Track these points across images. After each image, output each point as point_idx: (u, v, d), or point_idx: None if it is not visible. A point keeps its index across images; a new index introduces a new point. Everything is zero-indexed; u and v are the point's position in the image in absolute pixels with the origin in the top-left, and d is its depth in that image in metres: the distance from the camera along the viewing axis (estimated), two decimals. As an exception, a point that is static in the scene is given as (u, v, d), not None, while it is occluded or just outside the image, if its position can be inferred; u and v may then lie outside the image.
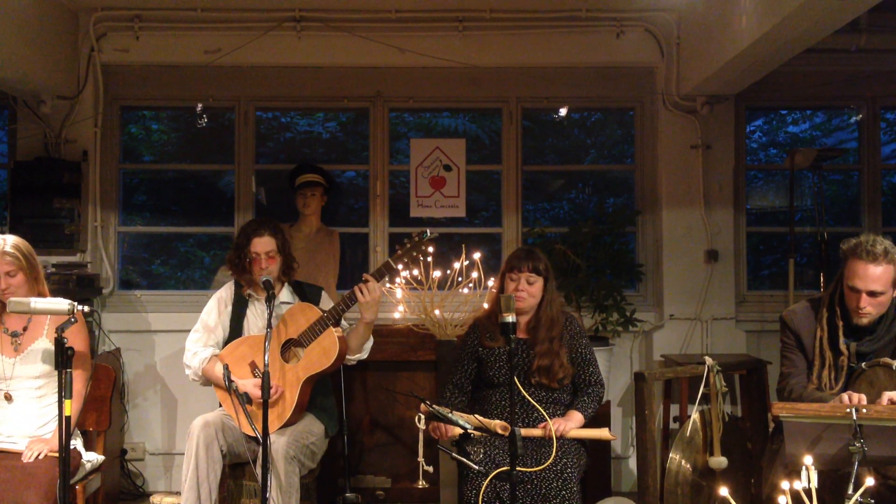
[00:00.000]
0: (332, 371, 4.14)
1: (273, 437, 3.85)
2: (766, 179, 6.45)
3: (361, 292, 4.04)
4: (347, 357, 4.24)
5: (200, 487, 3.92)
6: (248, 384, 4.03)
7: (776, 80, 5.58)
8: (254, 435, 3.85)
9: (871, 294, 3.63)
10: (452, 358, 4.28)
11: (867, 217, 6.08)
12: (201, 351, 4.26)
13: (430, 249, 4.32)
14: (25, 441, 3.76)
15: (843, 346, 3.73)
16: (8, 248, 3.77)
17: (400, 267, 4.09)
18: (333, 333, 4.07)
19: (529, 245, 4.17)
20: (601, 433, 3.98)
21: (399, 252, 4.09)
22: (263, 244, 4.23)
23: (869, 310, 3.66)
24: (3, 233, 5.55)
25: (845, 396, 3.43)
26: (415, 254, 4.07)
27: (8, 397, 3.79)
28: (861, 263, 3.62)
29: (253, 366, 4.14)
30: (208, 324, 4.33)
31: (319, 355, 4.05)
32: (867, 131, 6.16)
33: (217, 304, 4.37)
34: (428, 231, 4.05)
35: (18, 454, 3.71)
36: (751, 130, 6.37)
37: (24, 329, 3.85)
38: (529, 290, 4.00)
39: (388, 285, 5.41)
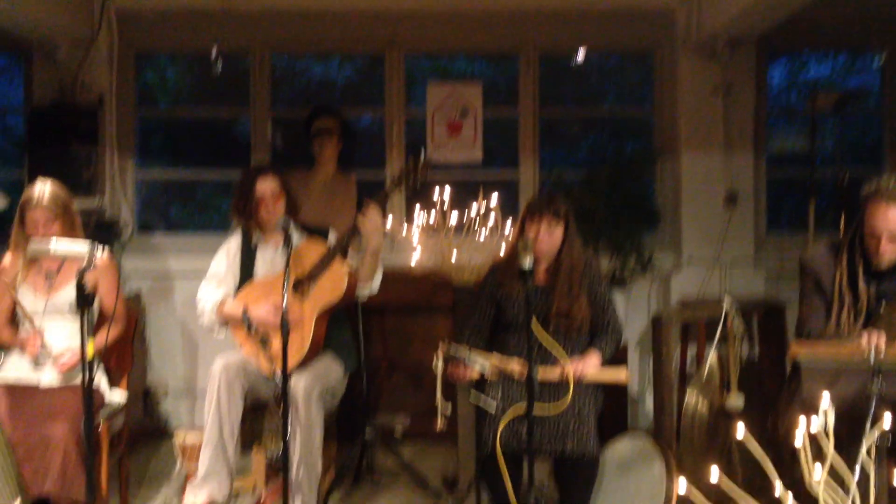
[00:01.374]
0: (344, 304, 4.15)
1: (293, 379, 3.89)
2: (787, 122, 6.39)
3: (363, 218, 4.05)
4: (359, 289, 4.24)
5: (223, 427, 3.97)
6: (262, 311, 4.05)
7: (798, 23, 5.48)
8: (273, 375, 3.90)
9: (891, 238, 3.61)
10: (470, 302, 4.30)
11: (888, 160, 6.02)
12: (213, 295, 4.29)
13: (427, 172, 4.24)
14: (50, 377, 3.83)
15: (862, 288, 3.73)
16: (46, 201, 3.85)
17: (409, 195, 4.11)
18: (341, 265, 4.09)
19: (550, 190, 4.14)
20: (617, 375, 4.00)
21: (396, 178, 4.11)
22: (268, 185, 4.23)
23: (889, 252, 3.65)
24: (21, 179, 5.67)
25: (864, 338, 3.43)
26: (413, 178, 4.07)
27: (39, 333, 3.87)
28: (882, 206, 3.60)
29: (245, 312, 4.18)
30: (218, 273, 4.36)
31: (330, 288, 4.07)
32: (889, 74, 6.07)
33: (225, 254, 4.38)
34: (422, 152, 4.04)
35: (44, 389, 3.80)
36: (771, 74, 6.29)
37: (58, 270, 3.96)
38: (549, 235, 3.97)
39: (404, 229, 5.43)
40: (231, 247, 4.40)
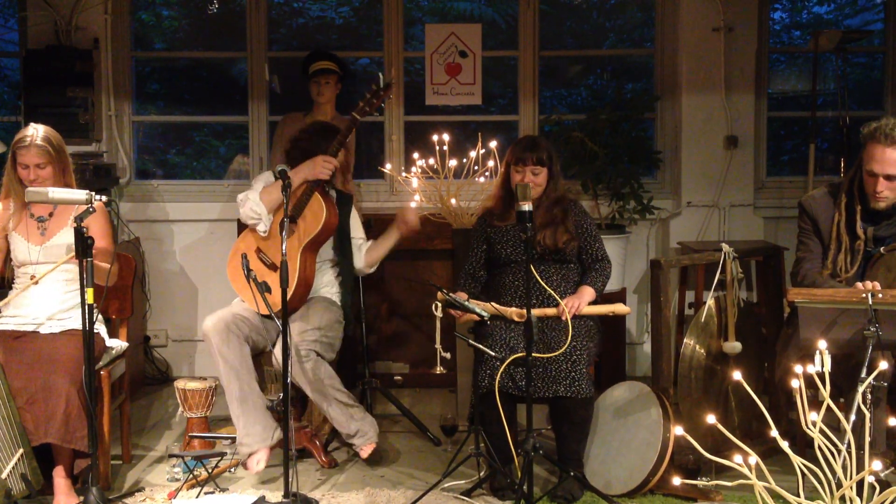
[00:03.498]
0: (327, 236, 4.21)
1: (292, 329, 3.90)
2: (788, 62, 6.32)
3: (402, 217, 4.32)
4: (366, 268, 4.40)
5: (241, 380, 3.95)
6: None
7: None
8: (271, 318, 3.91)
9: (888, 178, 3.63)
10: (466, 247, 4.33)
11: (891, 101, 5.95)
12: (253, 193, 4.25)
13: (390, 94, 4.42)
14: (50, 323, 3.84)
15: (860, 231, 3.73)
16: (38, 141, 3.79)
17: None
18: (318, 197, 4.13)
19: (532, 136, 4.18)
20: (616, 307, 4.05)
21: (361, 105, 4.22)
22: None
23: (886, 194, 3.66)
24: (17, 124, 5.63)
25: (859, 285, 3.44)
26: (375, 102, 4.21)
27: (33, 279, 3.84)
28: (879, 147, 3.61)
29: (258, 252, 4.20)
30: (257, 187, 4.30)
31: (311, 220, 4.11)
32: (893, 12, 5.97)
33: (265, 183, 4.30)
34: (381, 76, 4.20)
35: (44, 336, 3.80)
36: (773, 11, 6.20)
37: (50, 215, 3.91)
38: (534, 180, 4.05)
39: (403, 174, 5.41)
40: (265, 177, 4.34)
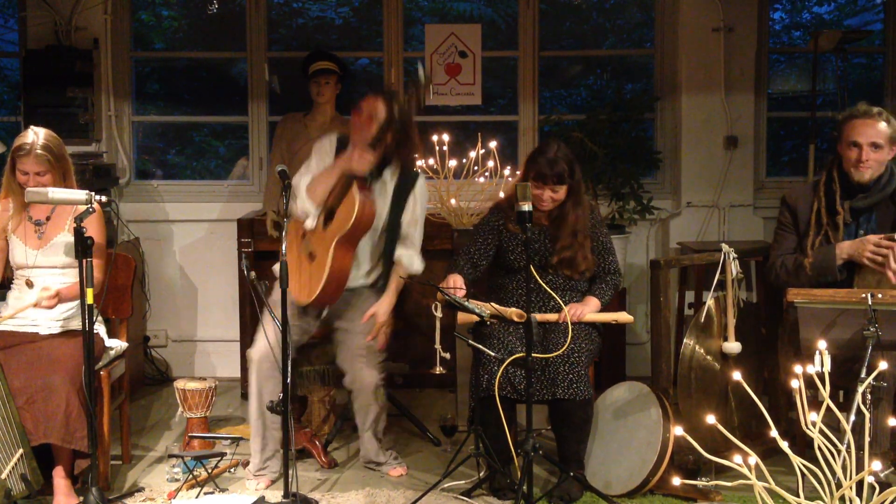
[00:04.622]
0: (362, 232, 4.03)
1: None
2: (788, 63, 6.32)
3: None
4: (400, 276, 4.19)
5: (265, 415, 3.95)
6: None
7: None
8: (306, 303, 3.99)
9: (873, 146, 3.72)
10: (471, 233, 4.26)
11: (890, 101, 5.96)
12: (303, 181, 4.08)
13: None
14: (49, 324, 3.83)
15: (839, 206, 3.82)
16: (38, 150, 3.73)
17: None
18: (354, 191, 3.97)
19: (552, 154, 3.95)
20: (619, 315, 4.04)
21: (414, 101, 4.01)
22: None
23: (871, 163, 3.74)
24: (18, 124, 5.63)
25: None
26: (418, 99, 4.00)
27: (29, 283, 3.84)
28: (859, 121, 3.75)
29: (304, 238, 4.07)
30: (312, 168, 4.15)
31: (344, 215, 3.98)
32: (893, 12, 5.97)
33: (321, 153, 4.16)
34: (420, 68, 4.00)
35: (43, 337, 3.79)
36: (773, 11, 6.20)
37: (48, 219, 3.89)
38: (554, 196, 3.94)
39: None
40: (324, 145, 4.18)
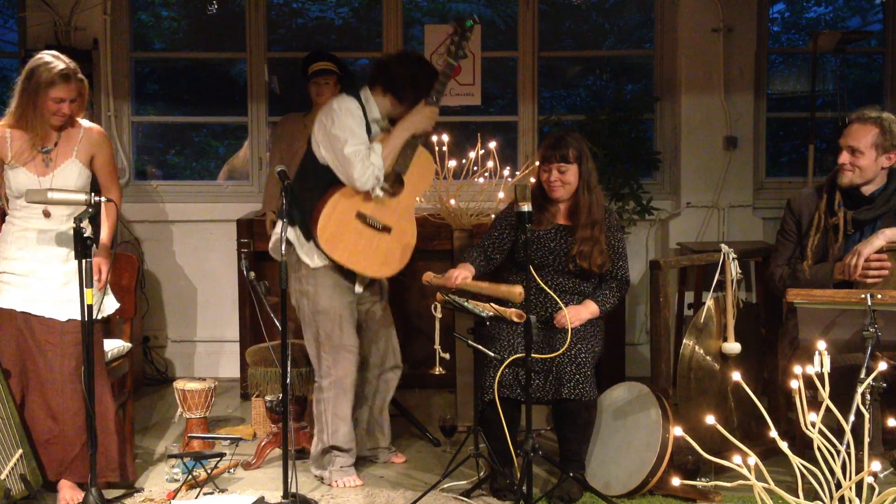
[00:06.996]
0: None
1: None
2: (787, 63, 6.32)
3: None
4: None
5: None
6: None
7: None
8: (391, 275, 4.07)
9: (851, 149, 3.71)
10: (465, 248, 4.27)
11: (890, 101, 5.96)
12: (375, 158, 3.86)
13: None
14: (61, 305, 3.67)
15: (836, 208, 3.81)
16: (79, 74, 3.63)
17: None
18: (422, 150, 3.96)
19: (559, 133, 4.02)
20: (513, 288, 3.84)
21: (453, 50, 3.94)
22: None
23: (850, 166, 3.73)
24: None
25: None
26: (463, 44, 3.94)
27: (47, 213, 3.67)
28: (852, 125, 3.76)
29: (360, 216, 3.90)
30: (363, 136, 3.89)
31: (419, 177, 3.97)
32: (892, 13, 5.98)
33: (352, 116, 3.90)
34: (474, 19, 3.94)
35: (57, 322, 3.65)
36: (773, 13, 6.21)
37: (55, 144, 3.71)
38: (562, 178, 3.94)
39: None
40: (352, 108, 3.92)
